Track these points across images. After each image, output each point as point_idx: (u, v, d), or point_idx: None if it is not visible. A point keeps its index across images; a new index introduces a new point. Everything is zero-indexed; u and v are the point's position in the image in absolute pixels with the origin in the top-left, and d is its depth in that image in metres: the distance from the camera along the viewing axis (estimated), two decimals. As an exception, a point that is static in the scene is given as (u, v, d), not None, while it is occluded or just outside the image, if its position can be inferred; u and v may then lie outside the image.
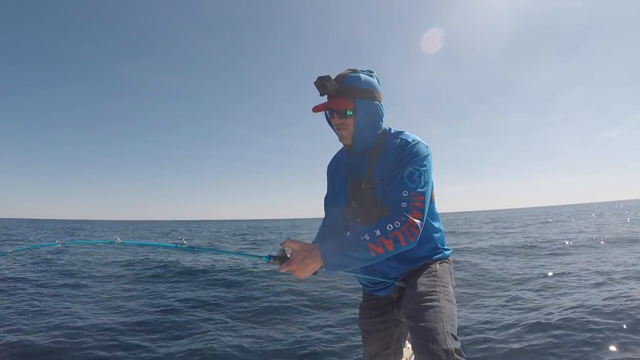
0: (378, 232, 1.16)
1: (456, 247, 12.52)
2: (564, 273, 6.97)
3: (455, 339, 1.18)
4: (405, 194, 1.24)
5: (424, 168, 1.30)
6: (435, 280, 1.38)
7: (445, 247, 1.55)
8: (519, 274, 7.16)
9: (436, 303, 1.28)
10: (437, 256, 1.48)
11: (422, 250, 1.46)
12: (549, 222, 27.54)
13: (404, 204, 1.21)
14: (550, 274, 6.98)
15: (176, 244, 1.21)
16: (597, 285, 5.83)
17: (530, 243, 12.50)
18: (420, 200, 1.23)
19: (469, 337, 3.88)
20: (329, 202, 1.65)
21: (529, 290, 5.91)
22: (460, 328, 3.79)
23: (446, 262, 1.51)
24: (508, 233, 18.84)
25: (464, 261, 9.10)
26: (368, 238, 1.15)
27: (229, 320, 5.00)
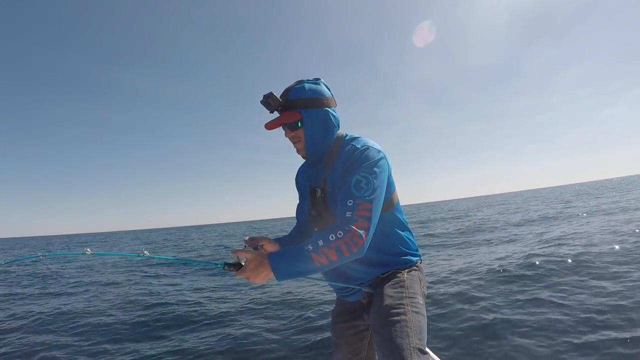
0: (321, 243, 1.15)
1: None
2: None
3: (423, 352, 1.18)
4: (350, 202, 1.21)
5: (372, 175, 1.26)
6: (402, 292, 1.35)
7: (415, 252, 1.51)
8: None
9: (402, 317, 1.26)
10: (404, 264, 1.45)
11: (386, 256, 1.44)
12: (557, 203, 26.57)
13: (348, 214, 1.19)
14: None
15: (138, 254, 1.31)
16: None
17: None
18: (366, 208, 1.20)
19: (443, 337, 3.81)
20: (298, 211, 1.66)
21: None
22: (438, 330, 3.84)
23: (415, 270, 1.47)
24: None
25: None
26: (311, 248, 1.15)
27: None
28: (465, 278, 5.97)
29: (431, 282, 5.88)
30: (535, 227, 12.90)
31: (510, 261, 6.81)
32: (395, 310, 1.29)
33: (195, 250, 19.46)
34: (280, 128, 1.45)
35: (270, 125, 1.41)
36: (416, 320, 1.27)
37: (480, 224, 16.51)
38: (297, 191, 1.69)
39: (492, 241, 10.56)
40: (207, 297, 6.81)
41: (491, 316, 4.13)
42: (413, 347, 1.17)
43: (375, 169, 1.29)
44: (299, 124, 1.40)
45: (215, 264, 1.32)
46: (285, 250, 1.21)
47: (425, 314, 1.34)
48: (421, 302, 1.38)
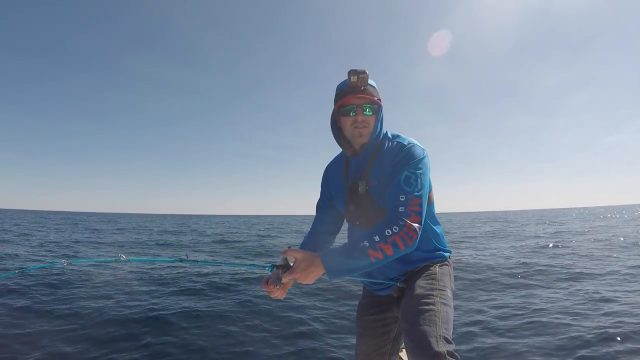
0: (377, 238, 1.17)
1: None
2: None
3: (449, 342, 1.20)
4: (402, 198, 1.24)
5: (420, 171, 1.31)
6: (433, 284, 1.40)
7: (446, 247, 1.56)
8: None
9: (431, 307, 1.30)
10: (437, 258, 1.50)
11: (421, 252, 1.47)
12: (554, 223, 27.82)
13: (401, 209, 1.22)
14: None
15: (180, 258, 1.24)
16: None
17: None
18: (417, 203, 1.24)
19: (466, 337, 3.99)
20: (321, 205, 1.66)
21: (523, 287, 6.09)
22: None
23: (446, 265, 1.52)
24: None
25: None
26: (367, 244, 1.16)
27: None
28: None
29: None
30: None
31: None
32: (425, 300, 1.33)
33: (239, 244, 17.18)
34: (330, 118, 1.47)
35: (358, 97, 1.37)
36: (444, 311, 1.31)
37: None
38: (321, 186, 1.68)
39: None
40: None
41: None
42: (439, 335, 1.20)
43: (421, 165, 1.33)
44: (370, 112, 1.40)
45: (263, 266, 1.30)
46: (336, 248, 1.23)
47: (452, 307, 1.38)
48: (450, 295, 1.42)
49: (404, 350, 1.84)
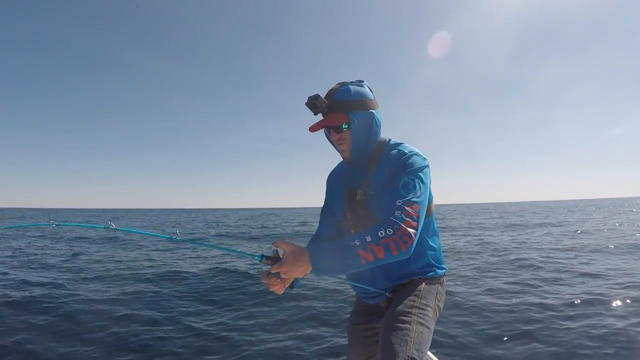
0: (369, 238, 1.11)
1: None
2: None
3: None
4: (399, 202, 1.20)
5: (419, 179, 1.27)
6: (414, 301, 1.36)
7: (441, 265, 1.50)
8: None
9: (407, 325, 1.27)
10: (427, 274, 1.44)
11: (413, 266, 1.43)
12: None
13: (397, 212, 1.17)
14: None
15: (170, 235, 1.21)
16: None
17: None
18: (415, 209, 1.19)
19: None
20: (325, 211, 1.65)
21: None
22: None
23: (437, 283, 1.47)
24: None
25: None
26: (358, 244, 1.11)
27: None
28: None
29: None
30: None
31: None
32: (402, 317, 1.30)
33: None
34: (322, 131, 1.45)
35: (315, 128, 1.40)
36: (418, 332, 1.27)
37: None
38: (326, 192, 1.68)
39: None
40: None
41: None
42: (408, 356, 1.18)
43: (421, 174, 1.30)
44: (345, 127, 1.38)
45: (252, 255, 1.25)
46: (327, 244, 1.17)
47: (431, 328, 1.33)
48: (430, 315, 1.36)
49: None
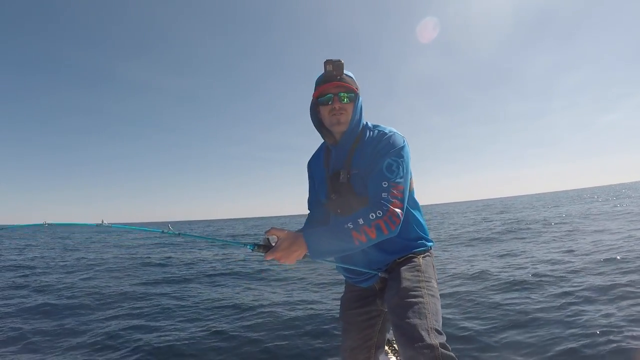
0: (361, 221, 1.19)
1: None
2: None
3: (440, 333, 1.20)
4: (385, 184, 1.28)
5: (401, 159, 1.35)
6: (418, 275, 1.40)
7: (428, 237, 1.57)
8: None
9: (420, 299, 1.30)
10: (420, 248, 1.51)
11: (405, 240, 1.48)
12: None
13: (384, 194, 1.26)
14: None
15: (162, 229, 1.23)
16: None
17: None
18: (400, 190, 1.28)
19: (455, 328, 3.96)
20: (311, 201, 1.68)
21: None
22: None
23: (429, 256, 1.53)
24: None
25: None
26: (351, 226, 1.18)
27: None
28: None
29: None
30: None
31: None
32: (412, 293, 1.33)
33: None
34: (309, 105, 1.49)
35: (335, 85, 1.41)
36: (432, 303, 1.31)
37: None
38: (308, 180, 1.70)
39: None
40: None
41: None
42: (431, 327, 1.20)
43: (402, 153, 1.37)
44: (349, 98, 1.43)
45: (244, 244, 1.27)
46: (321, 228, 1.25)
47: (439, 298, 1.39)
48: (435, 286, 1.43)
49: (392, 343, 1.83)
